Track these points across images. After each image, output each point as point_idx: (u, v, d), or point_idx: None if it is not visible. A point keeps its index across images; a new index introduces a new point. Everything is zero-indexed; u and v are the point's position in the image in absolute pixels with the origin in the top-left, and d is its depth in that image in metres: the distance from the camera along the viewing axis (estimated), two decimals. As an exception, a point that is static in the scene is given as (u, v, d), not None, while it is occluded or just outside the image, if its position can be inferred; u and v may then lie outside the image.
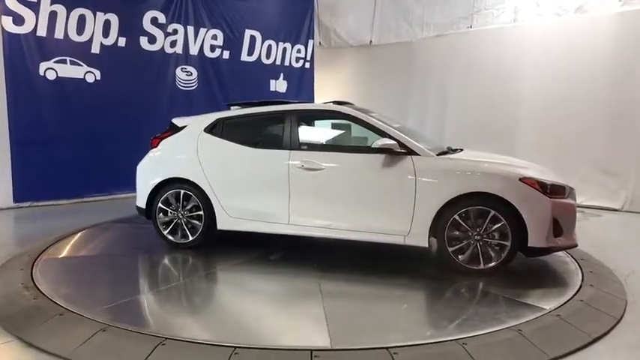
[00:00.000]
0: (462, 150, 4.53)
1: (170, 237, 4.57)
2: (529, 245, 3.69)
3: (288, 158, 4.21)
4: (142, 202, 4.67)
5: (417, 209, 3.88)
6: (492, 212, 3.71)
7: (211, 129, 4.58)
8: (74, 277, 3.88)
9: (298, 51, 10.11)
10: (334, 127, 4.79)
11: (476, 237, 3.77)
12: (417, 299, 3.62)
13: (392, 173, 3.95)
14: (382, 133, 4.07)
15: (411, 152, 3.97)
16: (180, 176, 4.50)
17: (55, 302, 3.21)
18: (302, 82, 10.24)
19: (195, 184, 4.45)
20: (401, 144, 3.98)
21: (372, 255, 4.43)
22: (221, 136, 4.53)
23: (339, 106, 4.40)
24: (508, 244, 3.72)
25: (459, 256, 3.83)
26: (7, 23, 6.54)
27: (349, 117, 4.26)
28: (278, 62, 9.80)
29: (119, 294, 3.45)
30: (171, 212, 4.55)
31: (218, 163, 4.46)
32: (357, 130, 4.28)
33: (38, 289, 3.44)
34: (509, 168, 3.91)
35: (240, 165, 4.42)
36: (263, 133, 4.71)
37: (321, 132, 4.69)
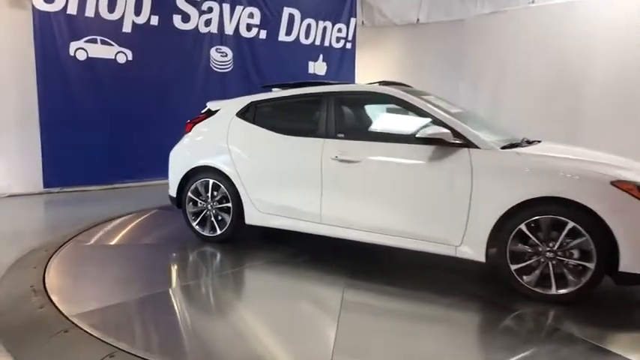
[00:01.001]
0: (539, 142, 3.65)
1: (199, 229, 4.24)
2: (620, 270, 2.79)
3: (322, 148, 3.65)
4: (173, 190, 4.38)
5: (473, 215, 3.13)
6: (571, 224, 2.86)
7: (243, 113, 4.15)
8: (89, 277, 3.54)
9: (339, 30, 9.39)
10: (378, 111, 4.12)
11: (548, 254, 2.95)
12: (463, 326, 2.89)
13: (443, 169, 3.23)
14: (434, 120, 3.36)
15: (468, 144, 3.21)
16: (209, 164, 4.14)
17: (62, 313, 2.87)
18: (342, 64, 9.51)
19: (223, 173, 4.06)
20: (456, 133, 3.24)
21: (414, 265, 3.74)
22: (253, 122, 4.08)
23: (385, 87, 3.73)
24: (591, 266, 2.85)
25: (524, 277, 3.03)
26: (38, 1, 6.26)
27: (394, 99, 3.58)
28: (317, 42, 9.16)
29: (133, 302, 3.08)
30: (200, 203, 4.22)
31: (247, 152, 4.02)
32: (405, 116, 3.59)
33: (47, 295, 3.13)
34: (598, 167, 3.00)
35: (270, 154, 3.94)
36: (297, 118, 4.17)
37: (361, 118, 4.05)
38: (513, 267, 3.06)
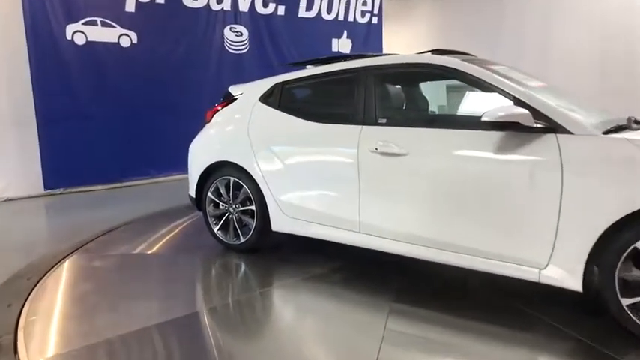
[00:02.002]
0: (656, 122, 2.67)
1: (220, 235, 3.65)
2: None
3: (359, 137, 2.89)
4: (192, 189, 3.81)
5: (564, 226, 2.26)
6: None
7: (267, 97, 3.46)
8: (76, 319, 2.63)
9: (364, 3, 8.51)
10: (431, 89, 3.30)
11: (680, 285, 2.04)
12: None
13: (520, 163, 2.37)
14: (508, 97, 2.49)
15: (555, 128, 2.32)
16: (229, 160, 3.51)
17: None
18: (368, 40, 8.62)
19: (245, 170, 3.42)
20: (537, 114, 2.36)
21: (480, 288, 2.90)
22: (278, 107, 3.38)
23: (440, 56, 2.88)
24: None
25: (643, 316, 2.14)
26: (26, -23, 5.52)
27: (453, 72, 2.71)
28: (341, 17, 8.29)
29: (151, 328, 2.55)
30: (222, 205, 3.62)
31: (271, 144, 3.33)
32: (469, 93, 2.75)
33: (15, 353, 2.27)
34: None
35: (298, 146, 3.22)
36: (329, 101, 3.43)
37: (409, 98, 3.22)
38: (625, 301, 2.17)
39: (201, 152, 3.74)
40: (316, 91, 3.46)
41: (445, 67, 2.73)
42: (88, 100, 6.17)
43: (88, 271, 3.41)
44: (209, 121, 3.79)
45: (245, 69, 7.30)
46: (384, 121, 2.88)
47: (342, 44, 8.46)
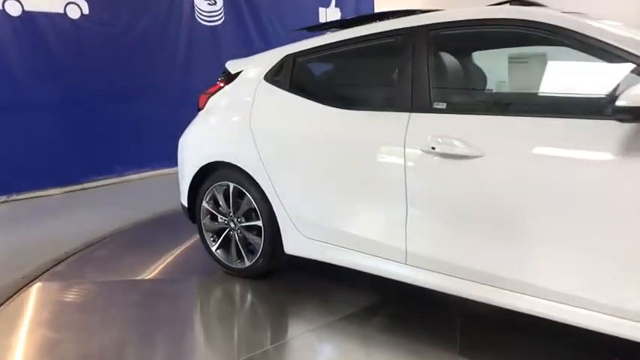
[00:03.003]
0: None
1: (220, 255, 2.83)
2: None
3: (406, 130, 1.99)
4: (184, 196, 2.97)
5: None
6: None
7: (275, 75, 2.56)
8: None
9: None
10: (515, 58, 2.37)
11: None
12: None
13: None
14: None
15: None
16: (225, 160, 2.65)
17: None
18: (359, 9, 7.67)
19: (247, 174, 2.57)
20: None
21: (573, 342, 2.01)
22: (289, 88, 2.48)
23: (523, 8, 1.93)
24: None
25: None
26: None
27: (553, 31, 1.76)
28: None
29: None
30: (221, 218, 2.79)
31: (281, 138, 2.46)
32: (577, 64, 1.81)
33: None
34: None
35: (318, 142, 2.34)
36: (361, 79, 2.52)
37: (479, 72, 2.29)
38: None
39: (193, 149, 2.89)
40: (342, 66, 2.56)
41: (543, 24, 1.78)
42: (29, 87, 4.92)
43: (54, 306, 2.64)
44: (202, 108, 2.93)
45: (221, 44, 6.20)
46: (442, 106, 1.97)
47: (330, 13, 7.48)
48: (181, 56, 5.84)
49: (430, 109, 1.98)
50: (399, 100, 2.07)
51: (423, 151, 1.92)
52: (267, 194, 2.50)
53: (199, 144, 2.85)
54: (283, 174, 2.44)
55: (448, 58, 2.13)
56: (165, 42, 5.81)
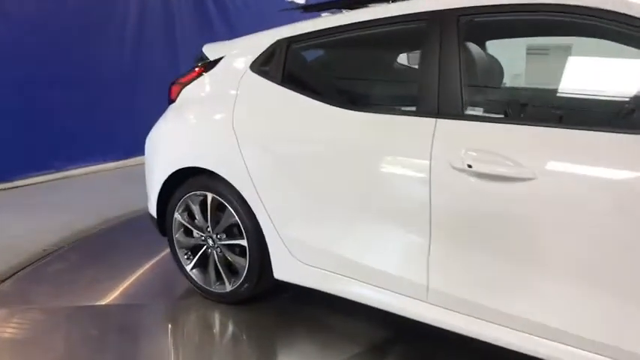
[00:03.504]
0: None
1: (196, 276, 2.39)
2: None
3: (432, 140, 1.60)
4: (152, 205, 2.51)
5: None
6: None
7: (264, 64, 2.11)
8: None
9: None
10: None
11: None
12: None
13: None
14: None
15: None
16: (202, 166, 2.21)
17: None
18: None
19: (229, 183, 2.14)
20: None
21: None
22: (282, 81, 2.04)
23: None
24: None
25: None
26: None
27: (611, 17, 1.40)
28: None
29: None
30: (197, 233, 2.35)
31: (271, 142, 2.02)
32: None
33: None
34: None
35: (320, 150, 1.91)
36: (375, 73, 2.11)
37: (522, 70, 1.91)
38: None
39: (163, 150, 2.42)
40: (350, 56, 2.14)
41: (595, 9, 1.40)
42: None
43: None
44: (174, 100, 2.46)
45: (175, 22, 5.45)
46: (477, 111, 1.59)
47: None
48: (129, 36, 5.06)
49: (462, 116, 1.58)
50: (423, 102, 1.67)
51: (454, 168, 1.54)
52: (253, 209, 2.08)
53: (171, 144, 2.39)
54: (274, 186, 2.02)
55: (485, 52, 1.73)
56: (110, 20, 5.03)
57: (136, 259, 2.92)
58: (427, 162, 1.59)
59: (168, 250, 2.57)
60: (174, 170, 2.29)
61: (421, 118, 1.65)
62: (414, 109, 1.71)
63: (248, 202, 2.09)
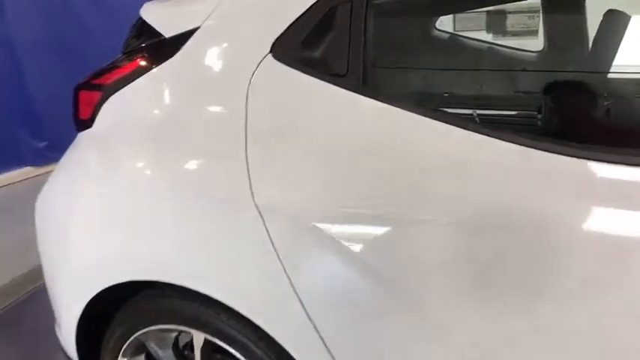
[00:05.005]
0: None
1: None
2: None
3: None
4: (67, 340, 1.23)
5: None
6: None
7: (307, 44, 0.91)
8: None
9: None
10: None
11: None
12: None
13: None
14: None
15: None
16: (175, 282, 0.98)
17: None
18: None
19: (241, 316, 0.95)
20: None
21: None
22: (362, 86, 0.87)
23: None
24: None
25: None
26: None
27: None
28: None
29: None
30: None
31: (344, 219, 0.84)
32: None
33: None
34: None
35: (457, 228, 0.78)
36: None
37: None
38: None
39: (77, 237, 1.13)
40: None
41: None
42: None
43: None
44: (87, 123, 1.16)
45: None
46: None
47: None
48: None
49: None
50: None
51: None
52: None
53: (93, 226, 1.11)
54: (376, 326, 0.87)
55: None
56: None
57: None
58: None
59: None
60: (111, 284, 1.05)
61: None
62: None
63: (290, 353, 0.92)
